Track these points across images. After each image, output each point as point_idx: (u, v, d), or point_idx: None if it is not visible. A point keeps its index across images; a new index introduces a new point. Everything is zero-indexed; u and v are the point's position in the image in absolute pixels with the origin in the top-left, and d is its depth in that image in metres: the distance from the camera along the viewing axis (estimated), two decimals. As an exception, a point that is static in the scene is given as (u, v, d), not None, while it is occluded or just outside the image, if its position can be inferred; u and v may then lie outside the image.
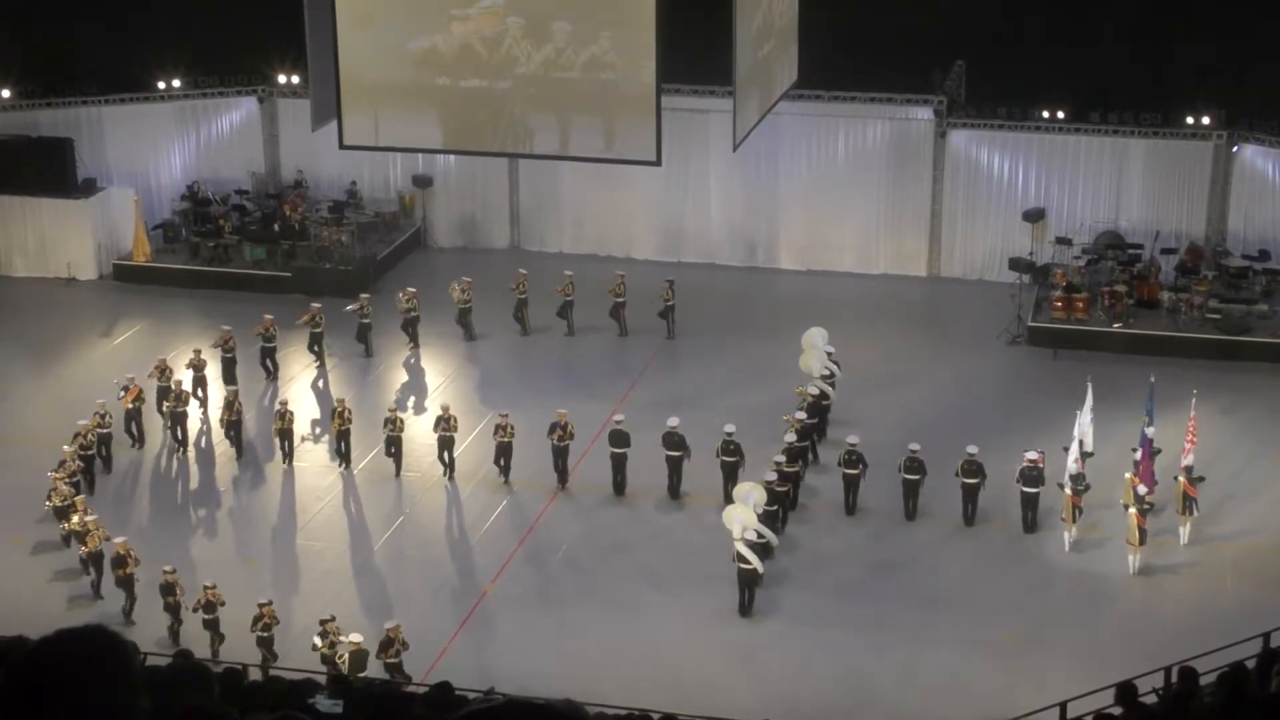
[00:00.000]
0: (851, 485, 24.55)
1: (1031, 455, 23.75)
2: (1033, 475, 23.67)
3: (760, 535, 22.23)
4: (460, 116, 23.19)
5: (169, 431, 26.82)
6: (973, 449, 24.20)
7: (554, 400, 26.65)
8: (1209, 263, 32.20)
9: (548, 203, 36.27)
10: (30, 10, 35.16)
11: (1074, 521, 23.27)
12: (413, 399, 28.79)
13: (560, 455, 25.35)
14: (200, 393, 27.76)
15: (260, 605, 20.48)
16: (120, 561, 21.68)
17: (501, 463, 25.41)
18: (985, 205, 34.12)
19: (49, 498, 23.48)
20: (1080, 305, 30.88)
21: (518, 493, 25.38)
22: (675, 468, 25.02)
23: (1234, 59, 32.27)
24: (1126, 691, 13.79)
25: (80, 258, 34.45)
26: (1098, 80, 33.25)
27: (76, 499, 23.11)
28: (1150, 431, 24.04)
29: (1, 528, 24.28)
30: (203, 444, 27.08)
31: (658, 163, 22.90)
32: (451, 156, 34.51)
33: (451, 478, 25.68)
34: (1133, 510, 22.58)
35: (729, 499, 24.07)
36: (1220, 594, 22.34)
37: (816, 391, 26.29)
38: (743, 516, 22.08)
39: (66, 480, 23.60)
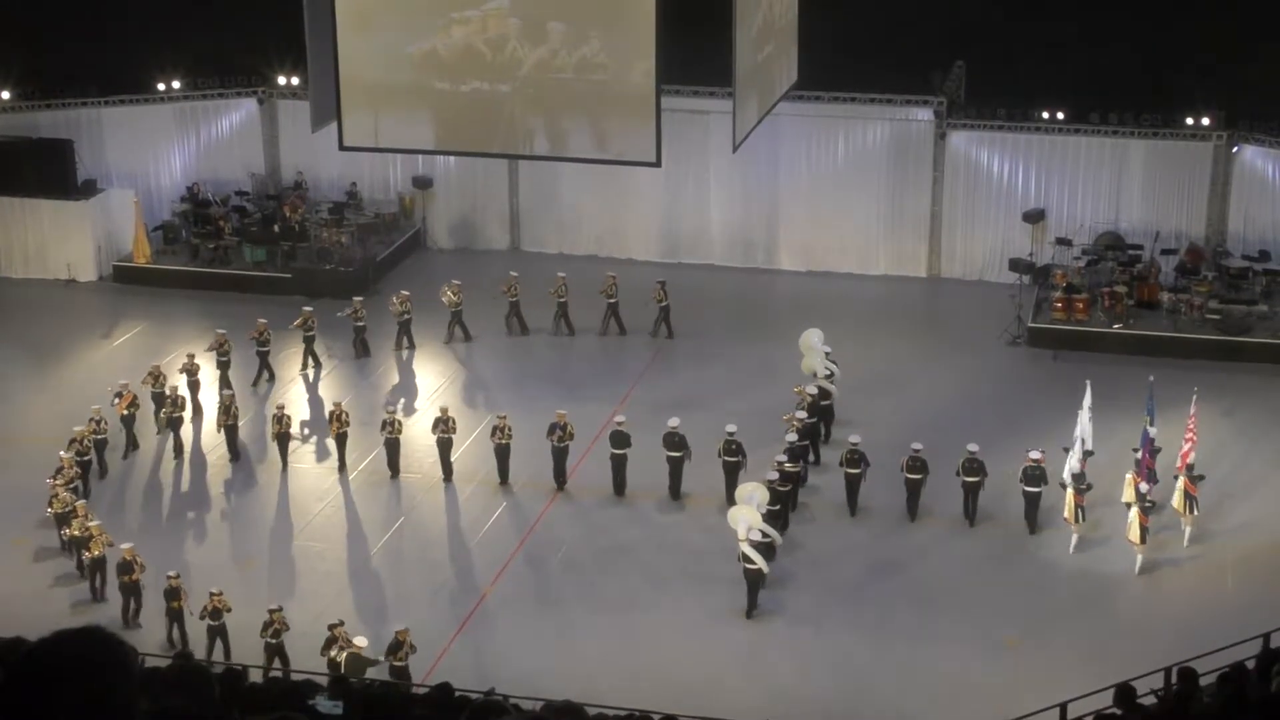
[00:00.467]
0: (853, 485, 24.59)
1: (1034, 455, 23.80)
2: (1035, 475, 23.73)
3: (765, 535, 22.25)
4: (460, 118, 23.18)
5: (166, 437, 26.63)
6: (973, 447, 24.25)
7: (553, 402, 26.64)
8: (1209, 263, 32.20)
9: (547, 204, 36.27)
10: (30, 12, 35.15)
11: (1077, 521, 23.30)
12: (412, 401, 28.75)
13: (560, 456, 25.34)
14: (195, 398, 27.56)
15: (270, 611, 20.38)
16: (126, 568, 21.50)
17: (501, 464, 25.43)
18: (985, 206, 34.13)
19: (50, 504, 23.34)
20: (1080, 306, 30.88)
21: (517, 494, 25.38)
22: (676, 468, 25.03)
23: (1234, 59, 32.27)
24: (1126, 693, 13.78)
25: (80, 259, 34.46)
26: (1097, 81, 33.25)
27: (77, 505, 22.99)
28: (1152, 431, 24.05)
29: (2, 529, 24.27)
30: (199, 449, 26.95)
31: (657, 164, 22.89)
32: (451, 158, 34.52)
33: (450, 479, 25.64)
34: (1135, 508, 22.65)
35: (730, 499, 24.17)
36: (1220, 594, 22.34)
37: (816, 391, 26.30)
38: (747, 517, 22.10)
39: (66, 486, 23.47)
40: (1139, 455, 23.83)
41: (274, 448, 26.20)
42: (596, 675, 20.07)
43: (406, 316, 30.43)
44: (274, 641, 20.24)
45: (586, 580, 23.10)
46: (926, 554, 23.70)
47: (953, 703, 19.99)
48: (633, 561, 23.59)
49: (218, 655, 20.47)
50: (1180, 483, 23.33)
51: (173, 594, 21.00)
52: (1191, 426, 23.96)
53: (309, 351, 29.68)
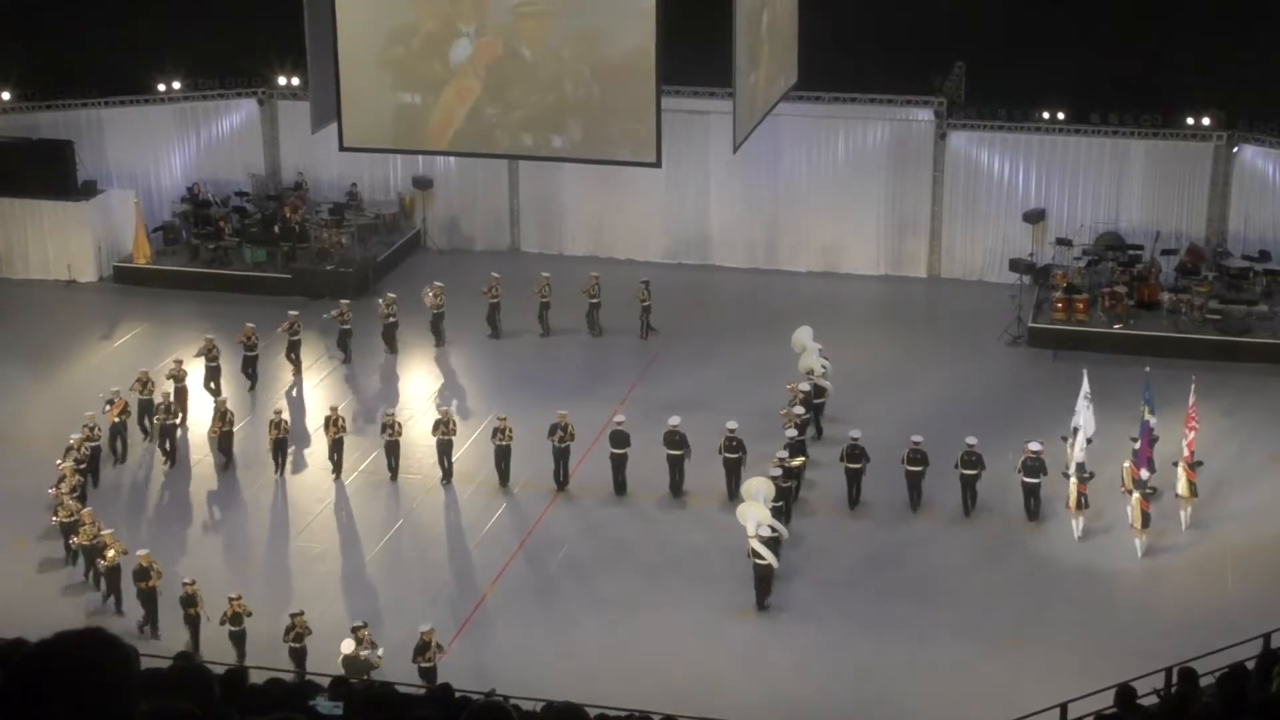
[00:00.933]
0: (854, 479, 24.73)
1: (1034, 446, 24.03)
2: (1034, 465, 23.96)
3: (773, 530, 22.32)
4: (460, 118, 23.18)
5: (158, 445, 26.31)
6: (972, 440, 24.42)
7: (552, 403, 26.62)
8: (1209, 264, 32.20)
9: (547, 205, 36.27)
10: (30, 13, 35.16)
11: (1081, 510, 23.54)
12: (410, 404, 28.68)
13: (561, 457, 25.35)
14: (184, 404, 27.13)
15: (292, 616, 20.27)
16: (143, 574, 21.23)
17: (501, 466, 25.41)
18: (985, 206, 34.14)
19: (55, 514, 23.09)
20: (1080, 306, 30.88)
21: (518, 495, 25.38)
22: (676, 466, 25.08)
23: (1234, 60, 32.27)
24: (1126, 694, 13.79)
25: (80, 260, 34.46)
26: (1098, 81, 33.26)
27: (83, 513, 22.65)
28: (1152, 420, 24.19)
29: (3, 530, 24.26)
30: (191, 456, 26.65)
31: (658, 164, 22.89)
32: (451, 158, 34.51)
33: (449, 481, 25.59)
34: (1136, 495, 23.00)
35: (732, 495, 24.45)
36: (1221, 594, 22.34)
37: (809, 388, 26.43)
38: (756, 514, 22.21)
39: (70, 495, 23.15)
40: (1137, 445, 24.00)
41: (270, 453, 25.87)
42: (597, 676, 20.07)
43: (393, 320, 30.29)
44: (297, 646, 20.10)
45: (587, 581, 23.10)
46: (927, 549, 23.75)
47: (953, 702, 20.00)
48: (633, 561, 23.60)
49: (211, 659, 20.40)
50: (1181, 469, 23.65)
51: (189, 600, 20.79)
52: (1192, 415, 24.19)
53: (293, 354, 29.39)
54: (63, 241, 34.42)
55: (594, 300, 31.23)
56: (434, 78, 22.91)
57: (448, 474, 25.62)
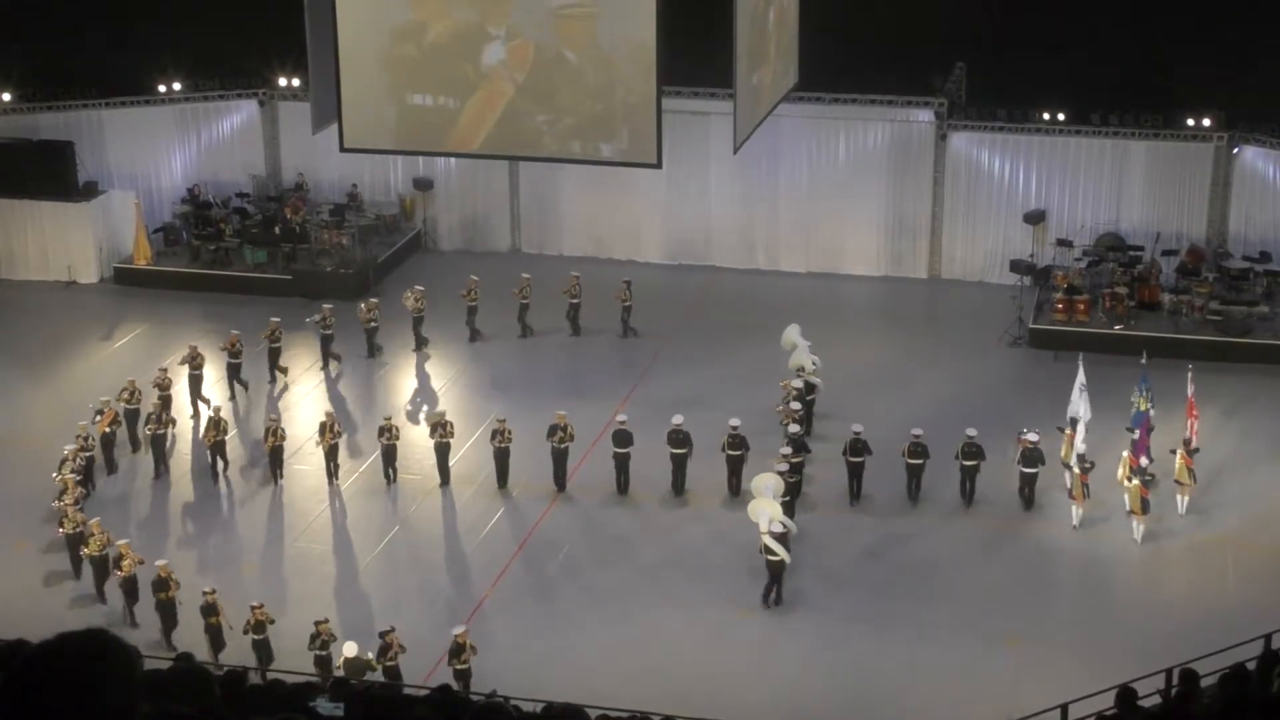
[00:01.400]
0: (856, 473, 24.91)
1: (1031, 436, 24.39)
2: (1032, 455, 24.31)
3: (784, 526, 22.43)
4: (461, 118, 23.17)
5: (150, 455, 25.92)
6: (972, 431, 24.76)
7: (551, 404, 26.62)
8: (1210, 264, 32.21)
9: (548, 205, 36.28)
10: (31, 14, 35.17)
11: (1083, 499, 23.87)
12: (407, 406, 28.55)
13: (560, 458, 25.35)
14: (169, 412, 26.50)
15: (317, 624, 20.13)
16: (162, 585, 21.01)
17: (501, 468, 25.38)
18: (986, 207, 34.15)
19: (60, 525, 22.78)
20: (1081, 307, 30.89)
21: (518, 496, 25.37)
22: (680, 465, 25.16)
23: (1234, 60, 32.27)
24: (1126, 695, 13.79)
25: (81, 261, 34.47)
26: (1098, 82, 33.26)
27: (92, 523, 22.36)
28: (1150, 409, 24.49)
29: (4, 531, 24.25)
30: (183, 463, 26.37)
31: (658, 165, 22.88)
32: (452, 159, 34.52)
33: (447, 483, 25.51)
34: (1135, 482, 23.43)
35: (734, 493, 24.73)
36: (1221, 595, 22.35)
37: (801, 385, 26.59)
38: (768, 510, 22.34)
39: (73, 506, 22.87)
40: (1134, 435, 24.37)
41: (266, 460, 25.65)
42: (597, 676, 20.08)
43: (374, 325, 30.12)
44: (323, 653, 19.97)
45: (587, 581, 23.10)
46: (928, 545, 23.85)
47: (954, 702, 19.99)
48: (634, 561, 23.61)
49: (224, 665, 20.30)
50: (1179, 456, 24.03)
51: (210, 610, 20.63)
52: (1193, 404, 24.63)
53: (275, 361, 29.17)
54: (63, 242, 34.42)
55: (574, 300, 31.24)
56: (434, 78, 22.87)
57: (446, 477, 25.54)
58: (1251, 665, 13.93)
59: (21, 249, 34.66)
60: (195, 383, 27.94)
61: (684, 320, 31.99)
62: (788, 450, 24.28)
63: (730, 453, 25.05)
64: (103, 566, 22.16)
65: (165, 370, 27.42)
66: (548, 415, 25.71)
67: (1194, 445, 24.42)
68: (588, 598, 22.57)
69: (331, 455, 25.50)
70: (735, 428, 25.07)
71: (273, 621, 20.55)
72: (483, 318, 31.28)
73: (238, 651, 20.46)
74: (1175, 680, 14.66)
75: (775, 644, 21.46)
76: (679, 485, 25.26)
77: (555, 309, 31.46)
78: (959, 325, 32.00)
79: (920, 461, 24.73)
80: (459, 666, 19.74)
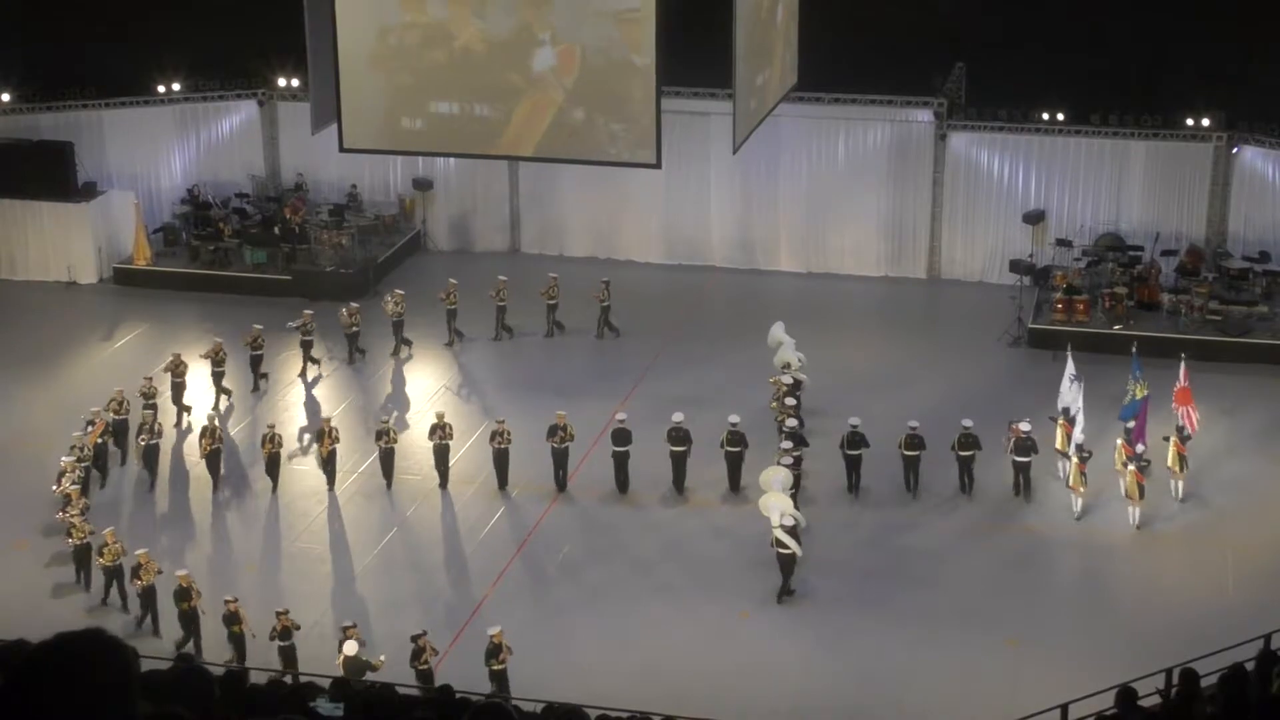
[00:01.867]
0: (854, 465, 25.06)
1: (1024, 426, 24.71)
2: (1026, 445, 24.61)
3: (795, 519, 22.55)
4: (461, 119, 23.16)
5: (142, 466, 25.59)
6: (967, 422, 24.98)
7: (549, 404, 26.61)
8: (1209, 265, 32.22)
9: (547, 206, 36.28)
10: (31, 14, 35.18)
11: (1083, 488, 24.15)
12: (404, 409, 28.39)
13: (560, 458, 25.35)
14: (155, 421, 26.03)
15: (345, 629, 20.00)
16: (184, 595, 20.76)
17: (500, 469, 25.34)
18: (985, 207, 34.15)
19: (69, 535, 22.51)
20: (1081, 307, 30.89)
21: (518, 497, 25.37)
22: (679, 462, 25.20)
23: (1234, 61, 32.28)
24: (1126, 695, 13.79)
25: (81, 261, 34.47)
26: (1098, 82, 33.27)
27: (105, 533, 22.07)
28: (1146, 395, 24.93)
29: (5, 531, 24.24)
30: (177, 472, 26.12)
31: (657, 165, 22.88)
32: (451, 160, 34.53)
33: (446, 486, 25.42)
34: (1132, 468, 23.75)
35: (734, 489, 24.95)
36: (1221, 595, 22.35)
37: (791, 381, 26.76)
38: (779, 503, 22.44)
39: (80, 515, 22.57)
40: (1130, 424, 24.81)
41: (265, 469, 25.39)
42: (597, 676, 20.07)
43: (355, 329, 29.92)
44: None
45: (588, 580, 23.10)
46: (927, 540, 23.96)
47: (955, 703, 19.98)
48: (635, 560, 23.62)
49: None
50: (1171, 443, 24.42)
51: (232, 619, 20.48)
52: (1184, 391, 25.13)
53: (255, 369, 28.86)
54: (63, 243, 34.42)
55: (551, 302, 31.22)
56: (433, 78, 22.83)
57: (445, 479, 25.47)
58: (1250, 665, 13.93)
59: (21, 249, 34.65)
60: (178, 390, 27.60)
61: (684, 320, 31.99)
62: (788, 444, 24.40)
63: (729, 449, 25.14)
64: (115, 576, 21.85)
65: (151, 379, 27.00)
66: (547, 416, 25.71)
67: (1187, 432, 24.82)
68: (588, 597, 22.57)
69: (330, 461, 25.33)
70: (735, 424, 25.18)
71: (298, 627, 20.41)
72: (480, 319, 31.21)
73: (259, 658, 20.16)
74: (1175, 680, 14.66)
75: (775, 643, 21.45)
76: (679, 483, 25.31)
77: (525, 312, 31.36)
78: (958, 325, 32.01)
79: (917, 453, 24.96)
80: (496, 667, 19.63)
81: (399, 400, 29.04)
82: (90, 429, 25.13)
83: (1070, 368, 25.63)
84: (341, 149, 24.01)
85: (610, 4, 21.52)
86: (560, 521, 24.75)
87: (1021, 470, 24.79)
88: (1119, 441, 24.59)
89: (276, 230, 34.58)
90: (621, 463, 25.30)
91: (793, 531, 22.35)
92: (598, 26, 21.73)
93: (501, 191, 36.41)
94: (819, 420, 26.76)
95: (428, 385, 29.63)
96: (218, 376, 28.25)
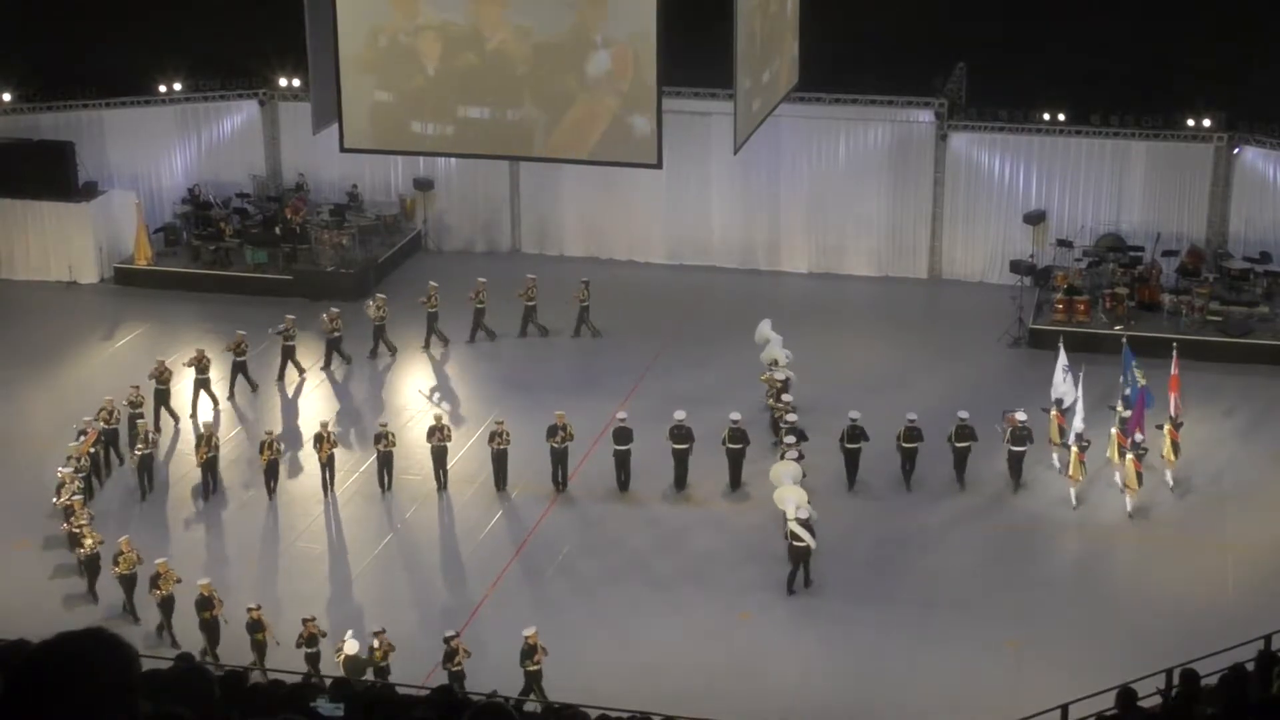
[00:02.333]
0: (852, 459, 25.23)
1: (1020, 416, 25.01)
2: (1022, 435, 24.96)
3: (810, 513, 22.74)
4: (462, 119, 23.16)
5: (136, 475, 25.26)
6: (963, 414, 25.27)
7: (549, 405, 26.60)
8: (1210, 265, 32.22)
9: (548, 206, 36.28)
10: (32, 14, 35.18)
11: (1081, 476, 24.48)
12: (401, 412, 28.28)
13: (560, 458, 25.35)
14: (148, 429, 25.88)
15: (375, 634, 19.97)
16: (205, 604, 20.66)
17: (499, 470, 25.31)
18: (986, 208, 34.15)
19: (79, 545, 22.28)
20: (1081, 308, 30.89)
21: (518, 497, 25.37)
22: (681, 460, 25.27)
23: (1235, 61, 32.28)
24: (1127, 696, 13.80)
25: (81, 261, 34.47)
26: (1098, 82, 33.27)
27: (121, 541, 21.86)
28: (1144, 384, 25.21)
29: (5, 531, 24.24)
30: (169, 481, 25.93)
31: (658, 165, 22.87)
32: (452, 160, 34.52)
33: (444, 488, 25.34)
34: (1131, 456, 24.07)
35: (735, 486, 25.14)
36: (1221, 595, 22.35)
37: (783, 377, 26.90)
38: (795, 496, 22.63)
39: (89, 525, 22.37)
40: (1124, 413, 25.15)
41: (259, 473, 25.24)
42: (597, 676, 20.07)
43: (336, 334, 29.67)
44: (383, 665, 19.80)
45: (588, 580, 23.11)
46: (926, 534, 24.11)
47: (955, 701, 19.98)
48: (635, 559, 23.63)
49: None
50: (1165, 431, 24.76)
51: (255, 626, 20.37)
52: (1175, 379, 25.54)
53: (237, 376, 28.63)
54: (64, 243, 34.43)
55: (530, 304, 31.20)
56: (434, 78, 22.81)
57: (443, 481, 25.38)
58: (1251, 666, 13.95)
59: (22, 249, 34.66)
60: (161, 397, 27.35)
61: (684, 320, 31.98)
62: (792, 439, 24.52)
63: (731, 446, 25.23)
64: (131, 585, 21.67)
65: (138, 388, 26.74)
66: (546, 416, 25.70)
67: (1179, 419, 25.22)
68: (588, 597, 22.57)
69: (328, 465, 25.20)
70: (736, 421, 25.32)
71: (324, 634, 20.30)
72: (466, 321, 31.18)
73: (273, 663, 20.19)
74: (1175, 680, 14.67)
75: (775, 643, 21.46)
76: (681, 480, 25.36)
77: (551, 311, 31.40)
78: (959, 326, 32.00)
79: (914, 445, 25.16)
80: (531, 668, 19.63)
81: (396, 403, 29.00)
82: (83, 439, 24.81)
83: (1062, 359, 26.10)
84: (342, 149, 24.00)
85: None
86: (560, 522, 24.75)
87: (1016, 460, 25.09)
88: (1113, 431, 24.92)
89: (277, 230, 34.58)
90: (623, 461, 25.33)
91: (807, 524, 22.43)
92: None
93: (502, 192, 36.41)
94: (816, 418, 26.75)
95: (426, 387, 29.63)
96: (202, 384, 27.91)
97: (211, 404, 28.14)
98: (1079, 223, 33.29)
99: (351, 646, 19.80)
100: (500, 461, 25.35)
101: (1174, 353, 26.06)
